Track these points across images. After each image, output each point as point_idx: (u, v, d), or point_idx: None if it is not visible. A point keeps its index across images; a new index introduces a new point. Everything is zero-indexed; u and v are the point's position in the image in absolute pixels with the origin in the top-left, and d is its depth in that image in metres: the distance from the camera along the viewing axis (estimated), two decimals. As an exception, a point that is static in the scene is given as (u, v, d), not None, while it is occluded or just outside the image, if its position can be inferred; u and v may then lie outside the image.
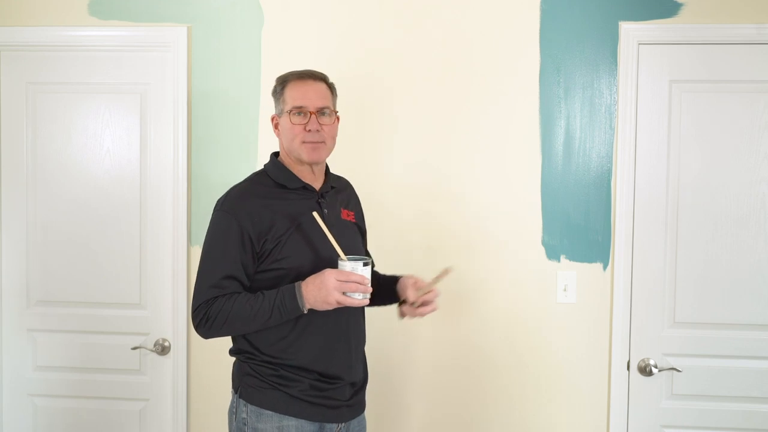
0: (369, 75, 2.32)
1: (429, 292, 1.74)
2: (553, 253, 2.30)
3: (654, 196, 2.28)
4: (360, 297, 1.58)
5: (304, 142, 1.69)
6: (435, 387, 2.34)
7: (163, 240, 2.41)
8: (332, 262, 1.62)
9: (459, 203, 2.31)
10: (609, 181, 2.28)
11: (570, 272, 2.29)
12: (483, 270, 2.31)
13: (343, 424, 1.72)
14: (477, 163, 2.31)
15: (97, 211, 2.42)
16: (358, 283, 1.56)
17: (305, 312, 1.60)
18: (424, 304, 1.74)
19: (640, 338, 2.29)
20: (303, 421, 1.66)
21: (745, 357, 2.26)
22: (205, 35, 2.35)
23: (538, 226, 2.30)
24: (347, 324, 1.71)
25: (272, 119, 1.78)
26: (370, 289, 1.59)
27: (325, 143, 1.71)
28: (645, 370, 2.27)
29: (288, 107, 1.70)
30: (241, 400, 1.69)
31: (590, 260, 2.29)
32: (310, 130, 1.68)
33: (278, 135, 1.76)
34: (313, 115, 1.69)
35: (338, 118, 1.79)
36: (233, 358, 1.78)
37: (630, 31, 2.24)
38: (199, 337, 2.36)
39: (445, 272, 1.72)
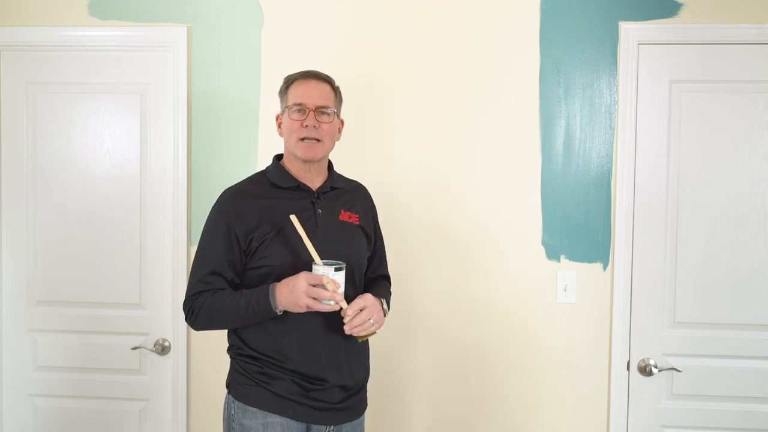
0: (369, 75, 2.32)
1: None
2: (553, 253, 2.30)
3: (654, 196, 2.28)
4: (332, 303, 1.58)
5: (300, 140, 1.70)
6: (435, 387, 2.34)
7: (163, 240, 2.41)
8: (311, 265, 1.62)
9: (459, 203, 2.31)
10: (609, 181, 2.28)
11: (570, 272, 2.29)
12: (483, 270, 2.31)
13: (332, 427, 1.72)
14: (477, 163, 2.31)
15: (97, 211, 2.43)
16: (327, 289, 1.56)
17: (279, 313, 1.61)
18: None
19: (640, 338, 2.29)
20: (288, 419, 1.67)
21: (745, 357, 2.26)
22: (205, 35, 2.35)
23: (538, 226, 2.30)
24: (331, 326, 1.69)
25: (276, 118, 1.81)
26: (337, 295, 1.58)
27: (322, 142, 1.71)
28: (645, 370, 2.27)
29: (289, 104, 1.73)
30: (229, 396, 1.73)
31: (590, 260, 2.29)
32: (306, 126, 1.69)
33: (280, 134, 1.78)
34: (312, 112, 1.70)
35: (342, 122, 1.81)
36: (231, 357, 1.79)
37: (630, 31, 2.24)
38: (200, 337, 2.38)
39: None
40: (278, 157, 1.82)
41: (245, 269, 1.69)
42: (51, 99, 2.43)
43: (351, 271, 1.70)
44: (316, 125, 1.70)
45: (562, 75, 2.28)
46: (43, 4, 2.39)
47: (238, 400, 1.70)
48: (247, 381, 1.70)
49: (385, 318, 1.72)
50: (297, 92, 1.73)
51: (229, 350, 1.77)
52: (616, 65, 2.26)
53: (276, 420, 1.66)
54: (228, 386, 1.75)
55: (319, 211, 1.73)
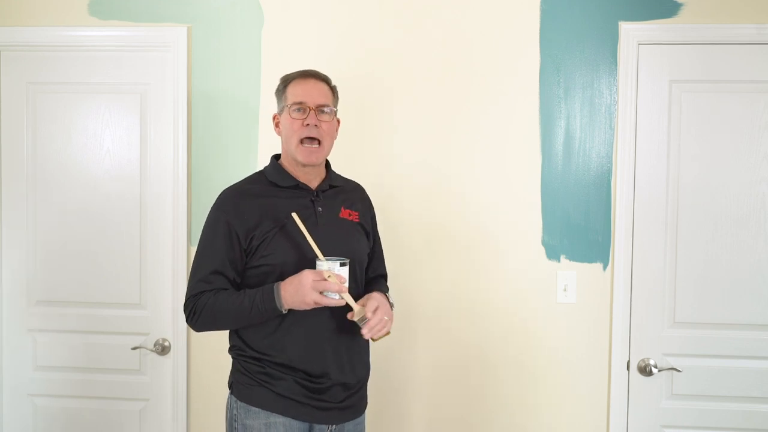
0: (369, 75, 2.32)
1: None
2: (553, 253, 2.30)
3: (654, 196, 2.28)
4: (337, 297, 1.59)
5: (301, 142, 1.70)
6: (435, 386, 2.34)
7: (163, 240, 2.41)
8: (314, 262, 1.62)
9: (459, 203, 2.31)
10: (609, 181, 2.28)
11: (570, 272, 2.29)
12: (483, 270, 2.31)
13: (334, 426, 1.72)
14: (477, 163, 2.31)
15: (97, 211, 2.43)
16: (334, 282, 1.57)
17: (284, 312, 1.61)
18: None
19: (640, 338, 2.29)
20: (291, 419, 1.67)
21: (745, 357, 2.26)
22: (205, 35, 2.35)
23: (538, 226, 2.30)
24: (335, 323, 1.70)
25: (274, 118, 1.80)
26: (345, 289, 1.59)
27: (322, 145, 1.72)
28: (645, 370, 2.27)
29: (288, 103, 1.72)
30: (232, 396, 1.73)
31: (590, 260, 2.29)
32: (308, 125, 1.69)
33: (278, 134, 1.78)
34: (313, 111, 1.70)
35: (339, 121, 1.80)
36: (233, 357, 1.79)
37: (630, 31, 2.24)
38: (200, 337, 2.38)
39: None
40: (276, 157, 1.82)
41: (245, 268, 1.70)
42: (51, 99, 2.43)
43: (352, 268, 1.70)
44: (318, 123, 1.70)
45: (562, 75, 2.28)
46: (43, 4, 2.39)
47: (241, 400, 1.70)
48: (250, 381, 1.69)
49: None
50: (296, 91, 1.73)
51: (230, 350, 1.77)
52: (616, 65, 2.26)
53: (278, 420, 1.66)
54: (230, 386, 1.75)
55: (319, 209, 1.74)
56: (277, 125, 1.79)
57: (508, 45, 2.29)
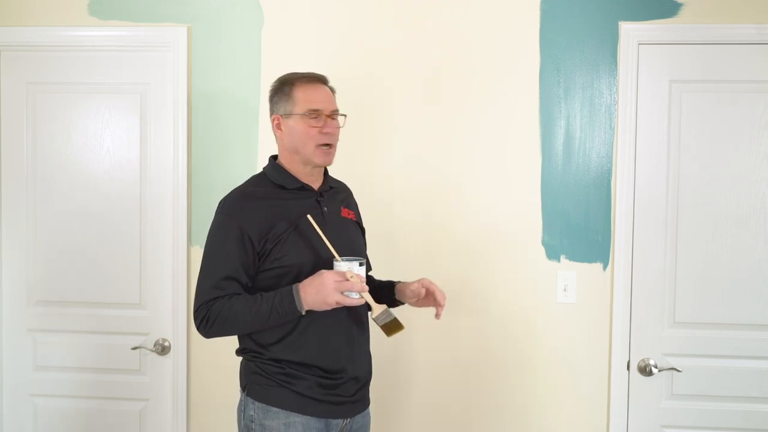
0: (369, 75, 2.32)
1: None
2: (553, 253, 2.30)
3: (654, 196, 2.28)
4: (357, 296, 1.60)
5: (318, 146, 1.71)
6: (434, 386, 2.34)
7: (163, 240, 2.41)
8: (330, 262, 1.64)
9: (459, 203, 2.31)
10: (609, 181, 2.28)
11: (570, 272, 2.29)
12: (483, 270, 2.31)
13: (348, 419, 1.75)
14: (477, 163, 2.31)
15: (97, 211, 2.42)
16: (356, 282, 1.59)
17: (303, 314, 1.62)
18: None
19: (640, 338, 2.29)
20: (309, 417, 1.68)
21: (745, 357, 2.26)
22: (205, 35, 2.35)
23: (538, 226, 2.30)
24: (347, 319, 1.73)
25: (274, 119, 1.76)
26: (367, 288, 1.61)
27: (333, 146, 1.76)
28: (645, 370, 2.27)
29: (301, 109, 1.71)
30: (248, 397, 1.71)
31: (590, 260, 2.29)
32: (327, 132, 1.71)
33: (281, 136, 1.76)
34: (329, 118, 1.72)
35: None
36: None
37: (630, 31, 2.24)
38: (200, 337, 2.37)
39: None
40: (273, 158, 1.81)
41: (257, 271, 1.68)
42: (51, 99, 2.43)
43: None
44: (334, 131, 1.74)
45: (562, 75, 2.28)
46: (43, 4, 2.39)
47: (259, 401, 1.69)
48: (268, 381, 1.69)
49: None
50: (310, 97, 1.72)
51: (242, 353, 1.76)
52: (616, 65, 2.26)
53: (297, 419, 1.67)
54: (244, 388, 1.74)
55: (325, 209, 1.76)
56: (278, 127, 1.75)
57: (508, 45, 2.29)
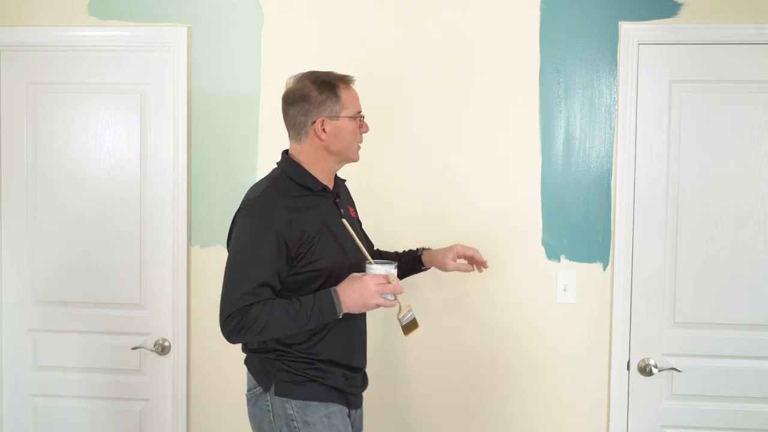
0: (369, 75, 2.31)
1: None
2: (553, 253, 2.30)
3: (654, 196, 2.28)
4: (392, 298, 1.66)
5: (359, 146, 1.78)
6: (434, 386, 2.34)
7: (163, 240, 2.41)
8: (359, 264, 1.69)
9: (459, 203, 2.31)
10: (609, 181, 2.28)
11: (570, 272, 2.29)
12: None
13: (356, 410, 1.82)
14: (477, 162, 2.31)
15: (97, 211, 2.42)
16: (396, 285, 1.65)
17: (340, 317, 1.65)
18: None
19: (640, 338, 2.29)
20: (342, 406, 1.74)
21: (745, 357, 2.26)
22: (205, 35, 2.35)
23: (538, 226, 2.30)
24: (364, 318, 1.83)
25: (317, 122, 1.70)
26: (403, 290, 1.67)
27: None
28: (645, 370, 2.27)
29: (351, 111, 1.74)
30: (278, 397, 1.69)
31: (590, 260, 2.29)
32: (364, 132, 1.79)
33: (324, 138, 1.71)
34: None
35: None
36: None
37: (630, 31, 2.24)
38: (200, 337, 2.38)
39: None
40: (286, 154, 1.79)
41: (288, 275, 1.67)
42: (51, 99, 2.43)
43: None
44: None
45: (562, 75, 2.28)
46: (43, 4, 2.39)
47: (294, 398, 1.68)
48: (299, 378, 1.70)
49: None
50: (354, 98, 1.76)
51: (260, 351, 1.73)
52: (616, 65, 2.26)
53: (335, 408, 1.71)
54: (268, 387, 1.70)
55: (342, 210, 1.79)
56: (322, 129, 1.70)
57: (508, 45, 2.29)
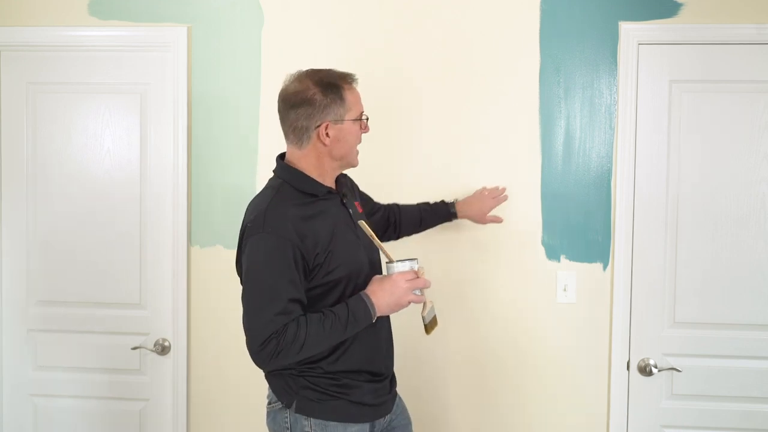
0: (369, 75, 2.30)
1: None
2: (553, 253, 2.30)
3: (654, 196, 2.28)
4: (419, 293, 1.66)
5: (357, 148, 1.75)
6: (433, 386, 2.34)
7: (163, 240, 2.41)
8: (375, 264, 1.69)
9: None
10: (609, 181, 2.28)
11: (570, 272, 2.29)
12: (483, 270, 2.31)
13: (388, 416, 1.78)
14: (477, 162, 2.31)
15: (97, 211, 2.42)
16: (426, 279, 1.65)
17: (374, 321, 1.63)
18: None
19: (640, 338, 2.29)
20: (363, 424, 1.68)
21: (745, 357, 2.26)
22: (205, 35, 2.35)
23: (538, 226, 2.30)
24: (387, 320, 1.78)
25: (322, 126, 1.64)
26: (430, 283, 1.66)
27: None
28: (645, 370, 2.27)
29: (355, 114, 1.68)
30: (299, 414, 1.65)
31: (590, 260, 2.29)
32: (365, 132, 1.75)
33: (328, 144, 1.65)
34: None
35: None
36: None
37: (630, 31, 2.24)
38: (200, 337, 2.38)
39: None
40: (281, 160, 1.75)
41: (308, 289, 1.62)
42: (51, 99, 2.43)
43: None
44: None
45: (562, 75, 2.28)
46: (43, 4, 2.39)
47: (314, 417, 1.64)
48: (322, 396, 1.65)
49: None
50: (357, 99, 1.70)
51: (285, 368, 1.67)
52: (616, 65, 2.26)
53: (354, 429, 1.67)
54: (290, 404, 1.66)
55: (350, 210, 1.75)
56: (326, 134, 1.64)
57: (508, 45, 2.29)
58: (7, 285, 2.47)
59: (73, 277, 2.44)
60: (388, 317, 1.78)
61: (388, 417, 1.77)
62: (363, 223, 1.66)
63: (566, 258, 2.29)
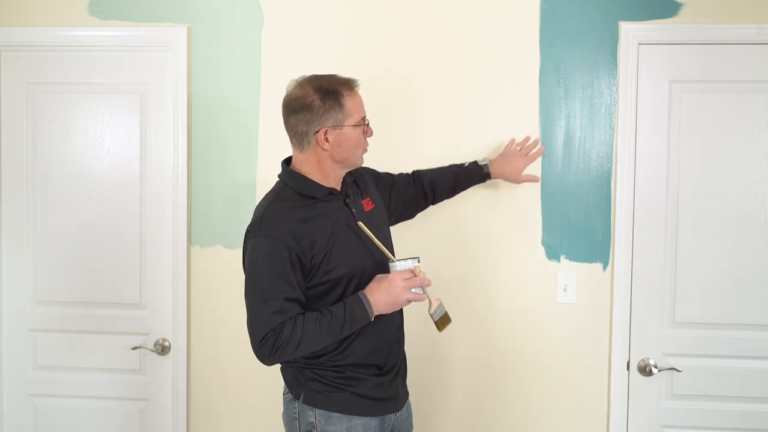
0: (369, 75, 2.30)
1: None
2: (553, 253, 2.30)
3: (654, 196, 2.28)
4: (421, 292, 1.67)
5: (363, 150, 1.76)
6: (432, 386, 2.34)
7: (163, 240, 2.41)
8: (381, 264, 1.69)
9: (458, 203, 2.31)
10: (609, 181, 2.28)
11: (570, 272, 2.29)
12: (483, 270, 2.31)
13: (398, 412, 1.79)
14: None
15: (97, 211, 2.42)
16: (425, 277, 1.66)
17: (372, 320, 1.64)
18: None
19: (640, 338, 2.29)
20: (367, 418, 1.70)
21: (745, 357, 2.26)
22: (205, 35, 2.35)
23: (538, 226, 2.30)
24: (394, 316, 1.77)
25: (321, 132, 1.67)
26: (431, 282, 1.67)
27: None
28: (645, 370, 2.27)
29: (355, 119, 1.71)
30: (305, 405, 1.70)
31: (590, 260, 2.29)
32: (368, 136, 1.77)
33: (327, 148, 1.69)
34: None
35: None
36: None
37: (630, 31, 2.24)
38: (200, 337, 2.38)
39: None
40: (286, 164, 1.77)
41: (307, 288, 1.66)
42: (51, 99, 2.43)
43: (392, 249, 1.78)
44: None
45: (562, 75, 2.28)
46: (43, 4, 2.39)
47: (320, 408, 1.69)
48: (327, 387, 1.70)
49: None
50: (358, 105, 1.73)
51: (296, 360, 1.72)
52: (616, 65, 2.26)
53: (358, 422, 1.69)
54: (298, 395, 1.72)
55: (354, 210, 1.75)
56: (325, 139, 1.68)
57: (508, 45, 2.29)
58: (8, 285, 2.47)
59: (74, 277, 2.44)
60: (400, 313, 1.81)
61: (397, 415, 1.79)
62: (362, 225, 1.68)
63: (566, 258, 2.29)
